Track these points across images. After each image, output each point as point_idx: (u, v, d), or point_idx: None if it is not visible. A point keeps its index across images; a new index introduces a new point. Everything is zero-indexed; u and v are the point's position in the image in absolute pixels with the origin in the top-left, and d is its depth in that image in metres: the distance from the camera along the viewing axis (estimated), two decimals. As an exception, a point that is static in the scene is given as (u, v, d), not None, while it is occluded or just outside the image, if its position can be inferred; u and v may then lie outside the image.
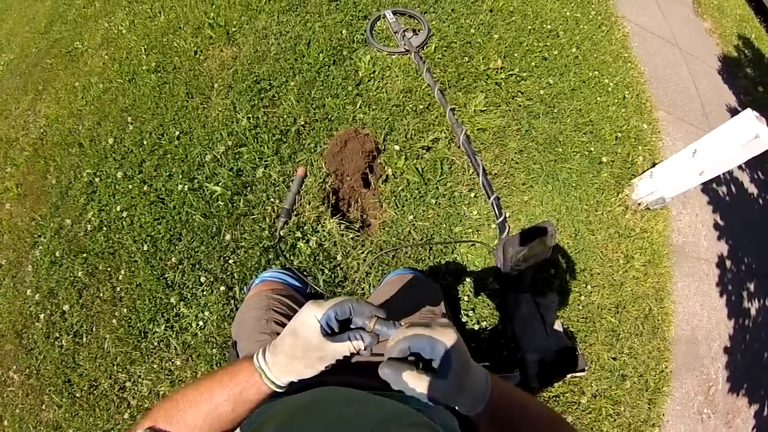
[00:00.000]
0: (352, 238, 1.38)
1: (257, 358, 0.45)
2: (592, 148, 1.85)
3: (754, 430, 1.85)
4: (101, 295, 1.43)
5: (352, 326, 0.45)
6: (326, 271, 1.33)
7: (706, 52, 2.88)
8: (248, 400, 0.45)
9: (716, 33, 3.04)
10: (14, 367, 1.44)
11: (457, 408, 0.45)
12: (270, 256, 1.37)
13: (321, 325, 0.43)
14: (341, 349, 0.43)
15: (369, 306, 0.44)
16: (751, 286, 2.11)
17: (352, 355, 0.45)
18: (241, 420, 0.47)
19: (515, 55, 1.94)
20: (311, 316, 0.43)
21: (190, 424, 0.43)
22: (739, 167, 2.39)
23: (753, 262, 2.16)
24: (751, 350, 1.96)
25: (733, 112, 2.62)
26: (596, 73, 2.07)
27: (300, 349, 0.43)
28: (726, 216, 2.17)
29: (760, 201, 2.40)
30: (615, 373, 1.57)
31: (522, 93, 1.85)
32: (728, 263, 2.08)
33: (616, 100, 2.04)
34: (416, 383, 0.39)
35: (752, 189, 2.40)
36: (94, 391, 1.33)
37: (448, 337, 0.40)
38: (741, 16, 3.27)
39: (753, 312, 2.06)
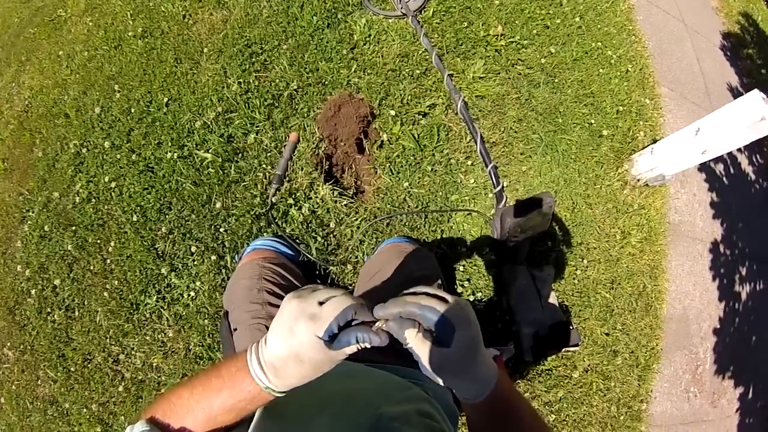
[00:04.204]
0: (345, 205, 1.35)
1: (261, 380, 0.40)
2: (593, 121, 1.82)
3: (738, 411, 1.89)
4: (92, 268, 1.41)
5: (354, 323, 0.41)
6: (319, 238, 1.31)
7: (712, 29, 2.81)
8: (251, 410, 0.43)
9: (722, 12, 2.97)
10: (8, 344, 1.43)
11: (458, 394, 0.44)
12: (262, 224, 1.34)
13: (324, 340, 0.38)
14: (349, 350, 0.40)
15: (373, 310, 0.41)
16: (744, 270, 2.12)
17: None
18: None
19: (516, 22, 1.87)
20: (311, 336, 0.37)
21: (188, 429, 0.41)
22: (739, 150, 2.37)
23: (747, 245, 2.16)
24: (739, 333, 1.99)
25: (736, 92, 2.57)
26: (599, 44, 2.01)
27: (309, 370, 0.39)
28: (723, 198, 2.16)
29: (757, 185, 2.39)
30: (607, 348, 1.58)
31: (522, 61, 1.79)
32: (722, 245, 2.08)
33: (618, 73, 1.99)
34: (418, 345, 0.40)
35: (750, 173, 2.39)
36: (88, 365, 1.33)
37: (458, 312, 0.41)
38: (749, -5, 3.19)
39: (744, 295, 2.08)
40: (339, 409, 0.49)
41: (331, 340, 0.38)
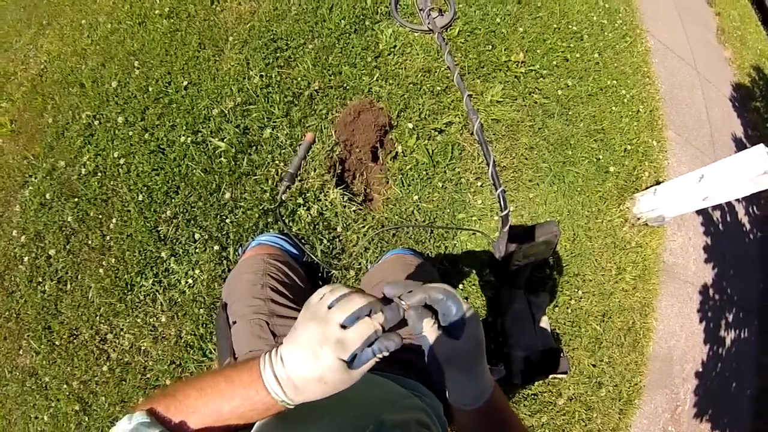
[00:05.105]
0: (354, 211, 1.36)
1: (277, 394, 0.39)
2: (601, 156, 1.85)
3: (714, 455, 1.92)
4: (90, 242, 1.39)
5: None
6: (325, 241, 1.31)
7: (723, 80, 2.89)
8: (263, 418, 0.43)
9: (735, 63, 3.05)
10: (-7, 308, 1.40)
11: (457, 398, 0.45)
12: (269, 220, 1.34)
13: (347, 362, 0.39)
14: (369, 366, 0.40)
15: (402, 297, 0.42)
16: (730, 317, 2.17)
17: None
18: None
19: (538, 51, 1.91)
20: (335, 360, 0.38)
21: (191, 428, 0.40)
22: (738, 200, 2.43)
23: (735, 293, 2.21)
24: (720, 378, 2.02)
25: (740, 143, 2.64)
26: (614, 82, 2.06)
27: (330, 388, 0.39)
28: (717, 245, 2.21)
29: (751, 236, 2.45)
30: (593, 379, 1.60)
31: (539, 90, 1.83)
32: (712, 290, 2.12)
33: (630, 113, 2.04)
34: (432, 335, 0.42)
35: (746, 222, 2.45)
36: (74, 341, 1.31)
37: (472, 311, 0.43)
38: (762, 51, 3.29)
39: (728, 341, 2.12)
40: (340, 412, 0.49)
41: (352, 358, 0.39)
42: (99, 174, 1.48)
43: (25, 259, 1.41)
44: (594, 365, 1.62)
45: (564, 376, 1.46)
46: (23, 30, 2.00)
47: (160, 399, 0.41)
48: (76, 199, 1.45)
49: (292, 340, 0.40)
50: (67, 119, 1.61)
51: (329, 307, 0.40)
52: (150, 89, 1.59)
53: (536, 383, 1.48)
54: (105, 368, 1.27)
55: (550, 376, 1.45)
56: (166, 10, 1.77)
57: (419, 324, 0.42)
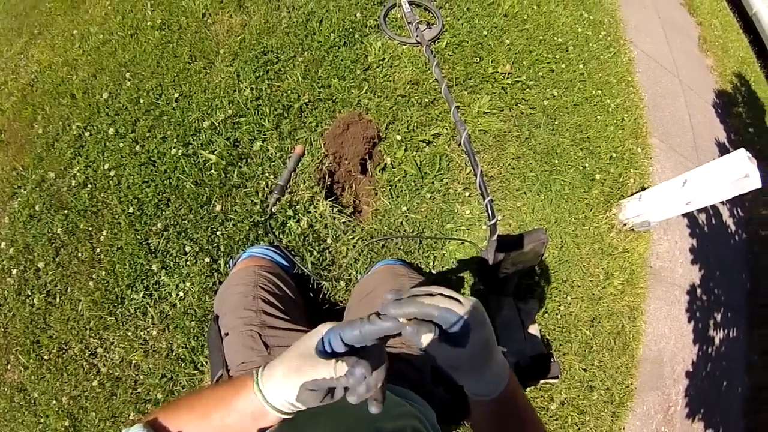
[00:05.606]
0: (343, 223, 1.37)
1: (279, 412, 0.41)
2: (587, 164, 1.89)
3: (708, 454, 1.94)
4: (79, 255, 1.39)
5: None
6: (315, 252, 1.32)
7: (705, 87, 2.97)
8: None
9: (717, 71, 3.14)
10: (-21, 322, 1.38)
11: (472, 391, 0.45)
12: (259, 232, 1.35)
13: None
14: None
15: (387, 306, 0.39)
16: (718, 317, 2.21)
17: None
18: None
19: (524, 62, 1.96)
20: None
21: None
22: (722, 203, 2.49)
23: (722, 294, 2.25)
24: (711, 377, 2.05)
25: (722, 148, 2.71)
26: (599, 92, 2.11)
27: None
28: (703, 247, 2.25)
29: (736, 237, 2.50)
30: (584, 383, 1.62)
31: (526, 101, 1.87)
32: (699, 292, 2.17)
33: (614, 121, 2.09)
34: (434, 347, 0.40)
35: (731, 224, 2.50)
36: (64, 355, 1.29)
37: (473, 313, 0.40)
38: (743, 58, 3.38)
39: (717, 341, 2.16)
40: (335, 423, 0.50)
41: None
42: (89, 186, 1.47)
43: (14, 271, 1.40)
44: (585, 369, 1.64)
45: (555, 381, 1.48)
46: (14, 39, 1.99)
47: (157, 413, 0.42)
48: (65, 211, 1.44)
49: (291, 376, 0.40)
50: (57, 130, 1.61)
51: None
52: (141, 101, 1.59)
53: (528, 389, 1.50)
54: (95, 383, 1.26)
55: (542, 382, 1.47)
56: (158, 22, 1.78)
57: (417, 339, 0.39)
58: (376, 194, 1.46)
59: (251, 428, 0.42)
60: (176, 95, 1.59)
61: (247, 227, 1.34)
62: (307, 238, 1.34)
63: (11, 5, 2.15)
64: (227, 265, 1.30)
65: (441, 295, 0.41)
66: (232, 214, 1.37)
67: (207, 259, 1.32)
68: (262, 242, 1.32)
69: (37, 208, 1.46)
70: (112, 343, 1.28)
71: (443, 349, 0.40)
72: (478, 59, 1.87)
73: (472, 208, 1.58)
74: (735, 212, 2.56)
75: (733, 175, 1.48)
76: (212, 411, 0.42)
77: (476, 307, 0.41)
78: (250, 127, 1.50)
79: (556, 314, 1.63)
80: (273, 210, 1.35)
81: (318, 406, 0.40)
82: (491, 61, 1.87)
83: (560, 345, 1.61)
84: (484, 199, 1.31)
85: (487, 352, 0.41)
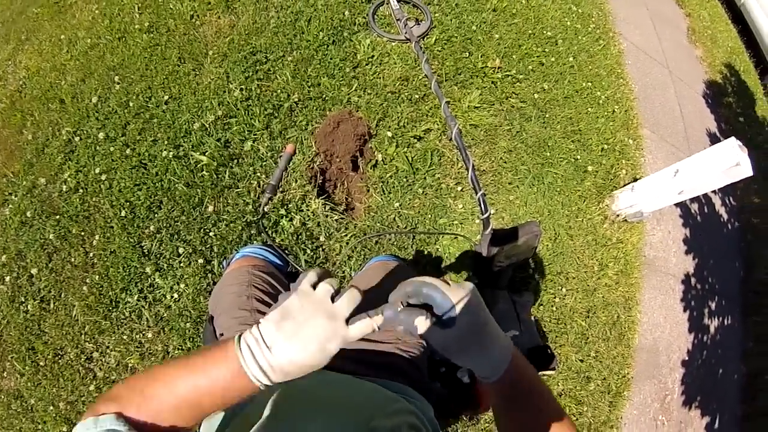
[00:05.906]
0: (336, 220, 1.38)
1: (260, 380, 0.40)
2: (579, 157, 1.91)
3: (704, 440, 1.96)
4: (72, 260, 1.38)
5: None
6: (308, 251, 1.33)
7: (695, 78, 2.99)
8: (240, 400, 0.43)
9: (706, 61, 3.16)
10: (-26, 330, 1.38)
11: (477, 373, 0.45)
12: (252, 232, 1.35)
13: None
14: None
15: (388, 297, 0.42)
16: (713, 305, 2.23)
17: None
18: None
19: (513, 56, 1.96)
20: (336, 351, 0.40)
21: (166, 426, 0.40)
22: (714, 192, 2.51)
23: (716, 282, 2.27)
24: (706, 365, 2.07)
25: (713, 138, 2.74)
26: (589, 84, 2.12)
27: (315, 369, 0.41)
28: (696, 236, 2.27)
29: (729, 226, 2.52)
30: (581, 374, 1.63)
31: (516, 95, 1.88)
32: (693, 280, 2.18)
33: (605, 113, 2.10)
34: (423, 328, 0.41)
35: (723, 213, 2.52)
36: (59, 361, 1.29)
37: (460, 294, 0.41)
38: (732, 48, 3.41)
39: (712, 329, 2.18)
40: (330, 416, 0.50)
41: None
42: (80, 190, 1.47)
43: (7, 278, 1.39)
44: (581, 360, 1.66)
45: (552, 372, 1.49)
46: (1, 45, 1.98)
47: (128, 396, 0.39)
48: (57, 217, 1.44)
49: (293, 332, 0.40)
50: (47, 136, 1.60)
51: (332, 298, 0.41)
52: (131, 104, 1.59)
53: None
54: (92, 387, 1.26)
55: (539, 373, 1.48)
56: (145, 25, 1.78)
57: (411, 323, 0.40)
58: (368, 191, 1.46)
59: (232, 400, 0.41)
60: (166, 98, 1.58)
61: (240, 227, 1.34)
62: (300, 237, 1.34)
63: (-3, 11, 2.14)
64: (221, 266, 1.30)
65: (433, 281, 0.42)
66: (224, 215, 1.37)
67: (200, 261, 1.32)
68: (255, 242, 1.33)
69: (28, 214, 1.46)
70: (108, 347, 1.28)
71: (433, 330, 0.41)
72: (468, 54, 1.87)
73: (465, 202, 1.59)
74: (727, 201, 2.58)
75: (725, 163, 1.49)
76: (196, 390, 0.40)
77: (466, 289, 0.42)
78: (240, 127, 1.50)
79: (552, 306, 1.64)
80: (265, 209, 1.35)
81: (312, 404, 0.40)
82: (481, 56, 1.87)
83: (556, 337, 1.62)
84: (476, 193, 1.31)
85: (476, 334, 0.42)
